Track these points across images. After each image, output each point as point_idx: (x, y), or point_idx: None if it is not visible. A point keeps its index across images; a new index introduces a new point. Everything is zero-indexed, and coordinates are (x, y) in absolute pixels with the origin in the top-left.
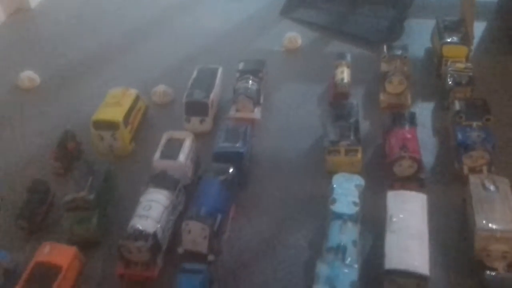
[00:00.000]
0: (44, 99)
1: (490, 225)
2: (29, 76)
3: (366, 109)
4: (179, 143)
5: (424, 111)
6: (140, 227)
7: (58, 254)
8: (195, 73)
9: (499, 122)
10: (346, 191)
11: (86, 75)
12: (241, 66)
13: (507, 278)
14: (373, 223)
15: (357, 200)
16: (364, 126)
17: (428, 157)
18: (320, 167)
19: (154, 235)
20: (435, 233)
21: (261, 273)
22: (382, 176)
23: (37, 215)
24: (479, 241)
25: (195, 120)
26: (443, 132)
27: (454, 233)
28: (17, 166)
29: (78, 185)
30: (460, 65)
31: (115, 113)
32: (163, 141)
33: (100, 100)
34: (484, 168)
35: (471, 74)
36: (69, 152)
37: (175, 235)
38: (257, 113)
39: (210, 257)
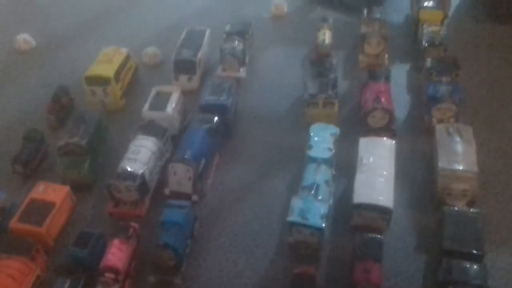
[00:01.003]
0: (40, 60)
1: (452, 165)
2: (24, 39)
3: (346, 69)
4: (167, 96)
5: (399, 71)
6: (129, 168)
7: (52, 192)
8: (183, 34)
9: (470, 80)
10: (322, 138)
11: (80, 38)
12: (227, 28)
13: (463, 212)
14: (346, 168)
15: (331, 146)
16: (343, 84)
17: (400, 112)
18: (300, 120)
19: (142, 176)
20: (403, 177)
21: (242, 213)
22: (357, 127)
23: (32, 161)
24: (442, 180)
25: (183, 78)
26: (416, 90)
27: (419, 177)
28: (14, 119)
29: (71, 132)
30: (435, 28)
31: (107, 69)
32: (152, 94)
33: (93, 61)
34: (451, 120)
35: (444, 35)
36: (62, 107)
37: (162, 180)
38: (242, 72)
39: (194, 197)
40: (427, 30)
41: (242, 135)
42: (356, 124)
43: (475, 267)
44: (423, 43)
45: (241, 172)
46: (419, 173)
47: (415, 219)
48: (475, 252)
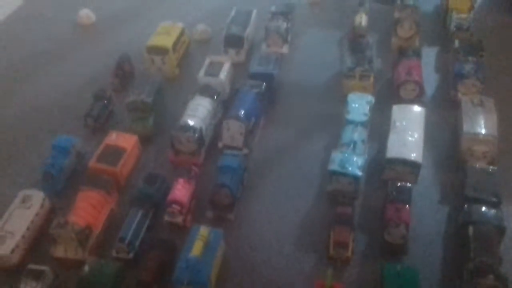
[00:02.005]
0: (101, 33)
1: (475, 129)
2: (87, 14)
3: (380, 50)
4: (220, 65)
5: (429, 53)
6: (190, 122)
7: (123, 140)
8: (232, 13)
9: (494, 61)
10: (359, 105)
11: (136, 14)
12: (273, 8)
13: (483, 169)
14: (379, 134)
15: (367, 112)
16: (377, 63)
17: (429, 87)
18: (338, 91)
19: (200, 129)
20: (430, 142)
21: (285, 167)
22: (389, 99)
23: (101, 116)
24: (465, 142)
25: (231, 51)
26: (444, 70)
27: (445, 142)
28: (83, 83)
29: (138, 91)
30: (463, 15)
31: (166, 41)
32: (206, 62)
33: (149, 35)
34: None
35: (471, 21)
36: (125, 73)
37: (215, 137)
38: (285, 49)
39: (245, 150)
40: (456, 16)
41: (285, 103)
42: (388, 97)
43: (492, 211)
44: (452, 28)
45: (283, 134)
46: (445, 138)
47: (440, 176)
48: (493, 199)
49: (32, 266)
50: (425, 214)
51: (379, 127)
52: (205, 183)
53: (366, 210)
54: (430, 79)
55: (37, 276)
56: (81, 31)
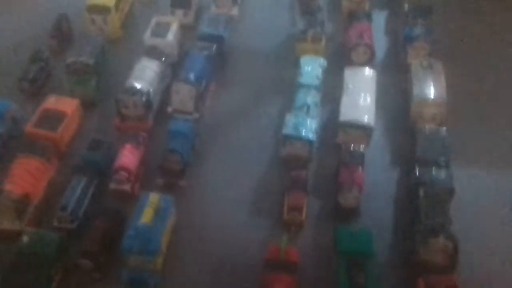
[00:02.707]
0: None
1: (424, 93)
2: None
3: (330, 14)
4: (167, 25)
5: (379, 16)
6: (136, 85)
7: (63, 103)
8: None
9: (443, 25)
10: (311, 68)
11: None
12: None
13: (433, 130)
14: (331, 97)
15: (320, 75)
16: (328, 26)
17: (379, 52)
18: (290, 54)
19: (148, 92)
20: (381, 105)
21: (237, 132)
22: (341, 63)
23: (38, 79)
24: (415, 106)
25: (179, 12)
26: (393, 34)
27: (396, 106)
28: (17, 43)
29: (79, 52)
30: None
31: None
32: (152, 23)
33: None
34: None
35: None
36: (63, 33)
37: (164, 102)
38: (235, 10)
39: (195, 115)
40: None
41: (236, 67)
42: (340, 60)
43: (442, 172)
44: None
45: (235, 98)
46: (395, 101)
47: (392, 139)
48: (442, 160)
49: None
50: (377, 177)
51: (331, 90)
52: (154, 150)
53: (320, 174)
54: (380, 43)
55: None
56: None
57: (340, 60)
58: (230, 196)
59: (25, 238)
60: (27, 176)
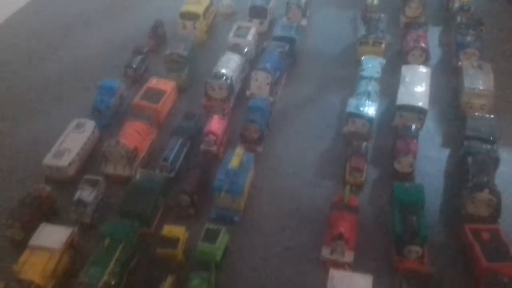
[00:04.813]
0: (137, 3)
1: (474, 85)
2: None
3: (389, 27)
4: (247, 29)
5: (433, 31)
6: (222, 70)
7: (163, 84)
8: None
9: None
10: (372, 65)
11: None
12: None
13: (481, 116)
14: (390, 90)
15: (379, 71)
16: (387, 37)
17: (433, 59)
18: (351, 57)
19: (231, 78)
20: (434, 100)
21: (305, 115)
22: (399, 66)
23: (139, 68)
24: (465, 96)
25: (256, 21)
26: (447, 46)
27: (447, 99)
28: (124, 42)
29: (175, 46)
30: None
31: (197, 8)
32: (234, 27)
33: (180, 5)
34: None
35: (471, 3)
36: (159, 35)
37: (243, 90)
38: (304, 21)
39: (271, 99)
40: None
41: (304, 66)
42: (398, 64)
43: (488, 146)
44: (455, 9)
45: (303, 90)
46: (447, 96)
47: (443, 126)
48: (489, 137)
49: (88, 176)
50: (430, 153)
51: (389, 86)
52: (233, 129)
53: (377, 150)
54: (434, 52)
55: (93, 183)
56: (116, 1)
57: (397, 63)
58: (298, 162)
59: (138, 174)
60: (136, 134)
